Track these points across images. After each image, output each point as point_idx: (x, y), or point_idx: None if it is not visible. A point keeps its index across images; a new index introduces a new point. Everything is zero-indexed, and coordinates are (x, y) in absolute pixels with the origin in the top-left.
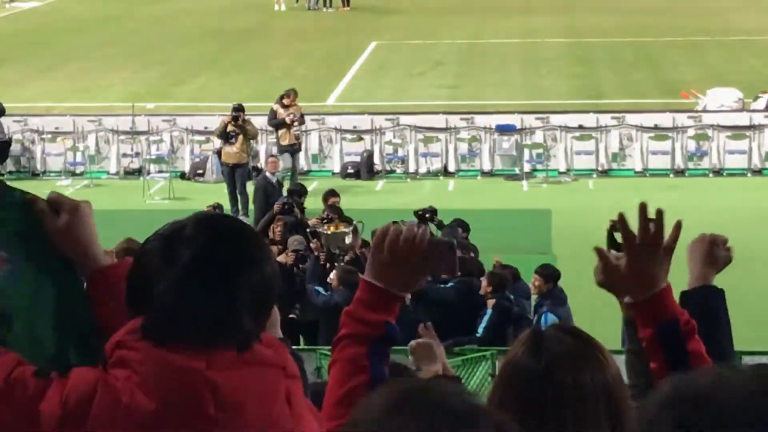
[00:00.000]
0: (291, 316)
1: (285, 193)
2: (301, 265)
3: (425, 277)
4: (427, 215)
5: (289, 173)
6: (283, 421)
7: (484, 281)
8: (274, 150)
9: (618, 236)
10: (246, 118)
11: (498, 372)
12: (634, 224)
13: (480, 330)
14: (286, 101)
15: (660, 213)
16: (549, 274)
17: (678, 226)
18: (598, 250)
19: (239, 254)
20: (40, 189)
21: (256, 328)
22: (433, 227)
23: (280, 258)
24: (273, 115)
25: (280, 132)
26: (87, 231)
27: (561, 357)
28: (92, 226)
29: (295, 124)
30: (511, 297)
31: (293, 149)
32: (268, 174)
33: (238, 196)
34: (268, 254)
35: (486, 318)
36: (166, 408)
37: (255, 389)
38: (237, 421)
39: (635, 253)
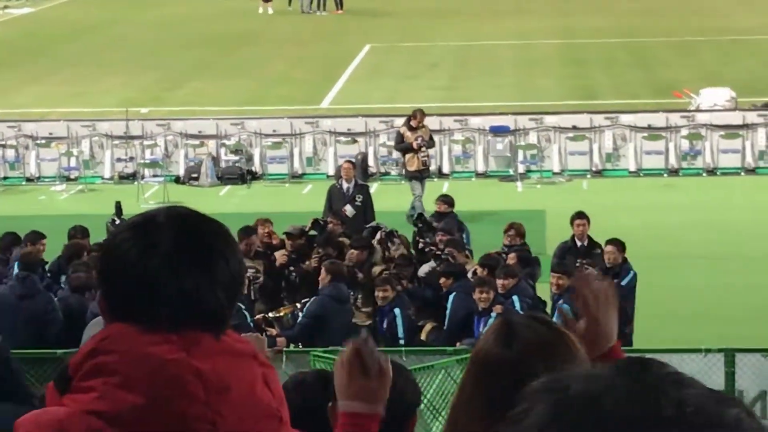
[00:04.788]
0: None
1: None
2: (292, 268)
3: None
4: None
5: (418, 197)
6: (268, 401)
7: (482, 292)
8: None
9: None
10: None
11: (469, 360)
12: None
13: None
14: (413, 123)
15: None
16: (563, 271)
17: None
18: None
19: (213, 237)
20: (34, 194)
21: (228, 310)
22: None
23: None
24: (400, 138)
25: (407, 156)
26: None
27: (532, 345)
28: None
29: (423, 148)
30: (516, 306)
31: (421, 175)
32: (341, 180)
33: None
34: (236, 243)
35: (490, 322)
36: (155, 400)
37: (236, 374)
38: (226, 403)
39: (591, 317)
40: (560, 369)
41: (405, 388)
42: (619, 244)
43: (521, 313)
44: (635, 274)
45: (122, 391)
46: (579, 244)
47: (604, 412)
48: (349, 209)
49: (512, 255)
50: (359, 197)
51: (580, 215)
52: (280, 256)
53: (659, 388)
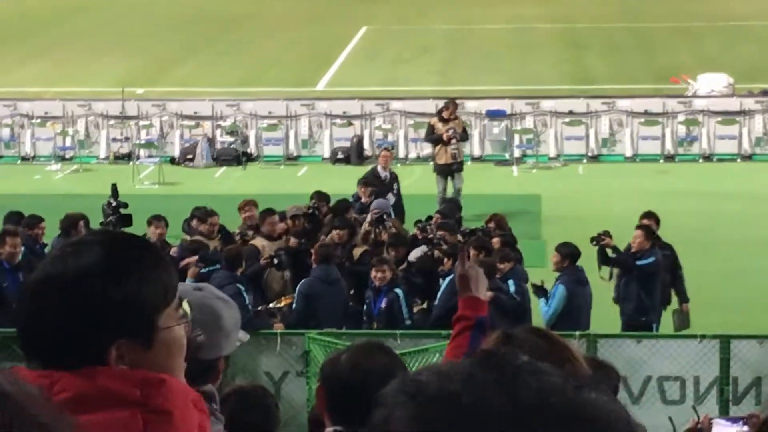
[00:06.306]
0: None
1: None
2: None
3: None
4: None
5: (440, 195)
6: None
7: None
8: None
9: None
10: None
11: None
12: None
13: None
14: (445, 114)
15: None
16: (565, 252)
17: (462, 252)
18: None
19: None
20: (29, 174)
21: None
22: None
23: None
24: (431, 129)
25: (437, 148)
26: None
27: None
28: None
29: (453, 141)
30: (510, 290)
31: (450, 169)
32: (378, 167)
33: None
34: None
35: None
36: None
37: (99, 428)
38: None
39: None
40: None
41: (393, 368)
42: (647, 231)
43: (516, 297)
44: (655, 261)
45: None
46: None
47: (464, 409)
48: (390, 198)
49: (496, 239)
50: (395, 185)
51: (648, 215)
52: (292, 241)
53: (517, 378)
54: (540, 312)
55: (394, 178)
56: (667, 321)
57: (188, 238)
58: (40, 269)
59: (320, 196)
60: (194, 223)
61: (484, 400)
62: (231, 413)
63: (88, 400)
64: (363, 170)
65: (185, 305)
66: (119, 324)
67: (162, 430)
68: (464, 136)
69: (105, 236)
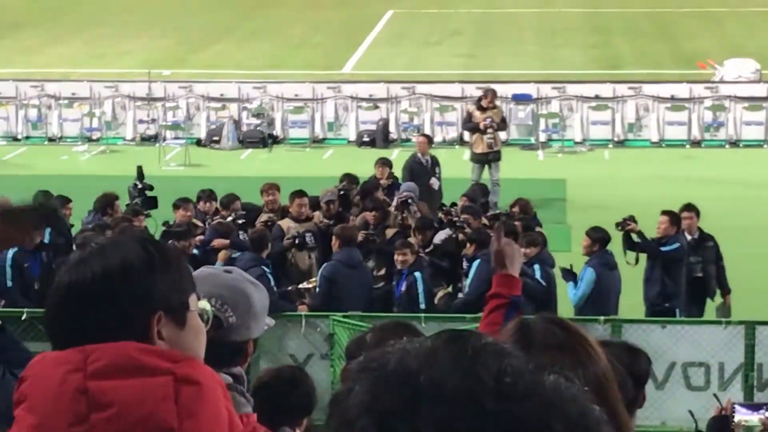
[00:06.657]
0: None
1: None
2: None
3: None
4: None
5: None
6: (163, 415)
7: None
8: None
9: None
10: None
11: None
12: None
13: None
14: (483, 103)
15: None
16: (596, 236)
17: (498, 229)
18: (496, 230)
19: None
20: (56, 154)
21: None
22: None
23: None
24: (468, 117)
25: (474, 137)
26: None
27: (549, 349)
28: None
29: (489, 130)
30: (535, 274)
31: (486, 159)
32: (418, 154)
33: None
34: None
35: None
36: (46, 419)
37: (125, 390)
38: (107, 419)
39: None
40: (580, 374)
41: None
42: (672, 217)
43: (541, 282)
44: (680, 247)
45: (28, 415)
46: (689, 237)
47: (421, 388)
48: (435, 182)
49: (517, 224)
50: (437, 169)
51: (688, 207)
52: (323, 222)
53: (478, 360)
54: (568, 295)
55: (435, 162)
56: (710, 314)
57: (196, 222)
58: (71, 271)
59: (350, 179)
60: (201, 204)
61: (441, 379)
62: (271, 395)
63: (121, 367)
64: (388, 153)
65: (203, 303)
66: (158, 305)
67: (193, 399)
68: (502, 126)
69: (132, 237)
